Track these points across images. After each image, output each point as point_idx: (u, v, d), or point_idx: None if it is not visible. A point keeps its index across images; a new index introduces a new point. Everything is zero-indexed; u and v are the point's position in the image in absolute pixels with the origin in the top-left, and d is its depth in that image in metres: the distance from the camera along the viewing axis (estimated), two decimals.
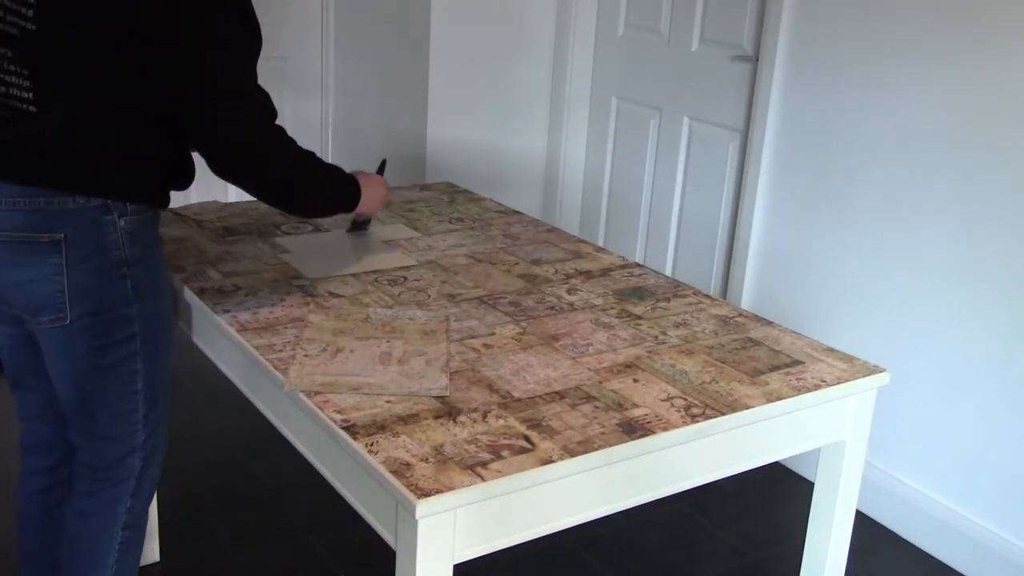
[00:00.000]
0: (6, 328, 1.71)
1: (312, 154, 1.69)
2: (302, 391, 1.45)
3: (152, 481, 1.76)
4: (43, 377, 1.69)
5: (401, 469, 1.27)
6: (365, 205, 1.87)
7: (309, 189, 1.71)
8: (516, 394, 1.49)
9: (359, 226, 2.18)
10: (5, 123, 1.52)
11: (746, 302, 3.02)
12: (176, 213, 2.22)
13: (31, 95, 1.49)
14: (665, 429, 1.42)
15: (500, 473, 1.28)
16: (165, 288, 1.70)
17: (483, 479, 1.26)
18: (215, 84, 1.51)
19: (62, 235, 1.52)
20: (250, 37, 1.56)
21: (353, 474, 1.38)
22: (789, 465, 2.92)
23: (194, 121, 1.54)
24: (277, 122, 1.61)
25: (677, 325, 1.79)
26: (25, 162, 1.52)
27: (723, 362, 1.65)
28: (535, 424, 1.40)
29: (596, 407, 1.46)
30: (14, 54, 1.49)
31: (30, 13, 1.47)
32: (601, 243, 3.64)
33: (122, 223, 1.56)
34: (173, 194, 1.69)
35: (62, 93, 1.51)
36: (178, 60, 1.49)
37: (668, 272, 3.39)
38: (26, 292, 1.56)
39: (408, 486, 1.23)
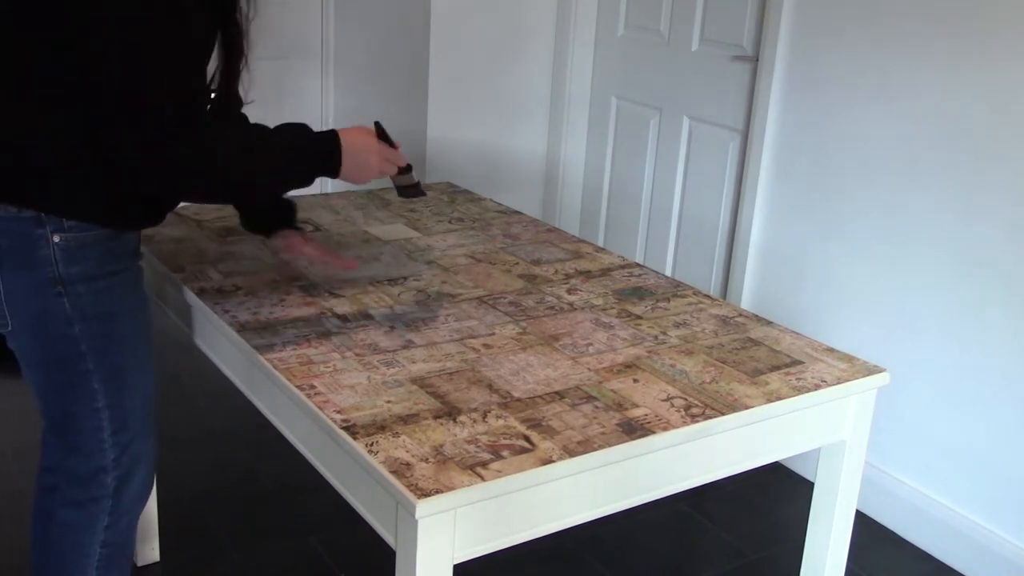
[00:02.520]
0: None
1: (240, 138, 1.54)
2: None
3: (132, 502, 1.72)
4: None
5: (401, 469, 1.27)
6: (348, 175, 1.61)
7: (240, 180, 1.54)
8: (516, 394, 1.49)
9: (405, 192, 1.81)
10: None
11: (746, 302, 3.02)
12: (176, 213, 2.22)
13: None
14: (665, 429, 1.42)
15: (500, 473, 1.28)
16: (129, 310, 1.63)
17: (483, 479, 1.26)
18: (106, 78, 1.40)
19: None
20: (161, 27, 1.42)
21: (353, 474, 1.38)
22: (789, 465, 2.92)
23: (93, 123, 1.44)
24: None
25: (677, 325, 1.79)
26: None
27: (723, 362, 1.65)
28: (535, 424, 1.40)
29: (596, 407, 1.46)
30: None
31: None
32: (601, 243, 3.64)
33: (56, 239, 1.51)
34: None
35: None
36: (80, 52, 1.40)
37: (668, 272, 3.39)
38: None
39: (408, 486, 1.23)
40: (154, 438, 1.75)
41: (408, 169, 1.75)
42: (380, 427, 1.37)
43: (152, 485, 1.79)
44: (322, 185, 4.04)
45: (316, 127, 1.62)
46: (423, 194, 1.83)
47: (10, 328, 1.56)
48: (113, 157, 1.45)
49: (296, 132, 1.58)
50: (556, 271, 2.03)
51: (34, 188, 1.50)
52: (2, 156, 1.50)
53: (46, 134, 1.48)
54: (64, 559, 1.70)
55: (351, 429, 1.36)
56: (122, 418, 1.65)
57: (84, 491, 1.67)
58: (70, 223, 1.52)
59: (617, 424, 1.42)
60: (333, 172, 1.59)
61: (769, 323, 1.84)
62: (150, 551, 2.34)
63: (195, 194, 1.61)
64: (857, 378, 1.63)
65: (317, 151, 1.58)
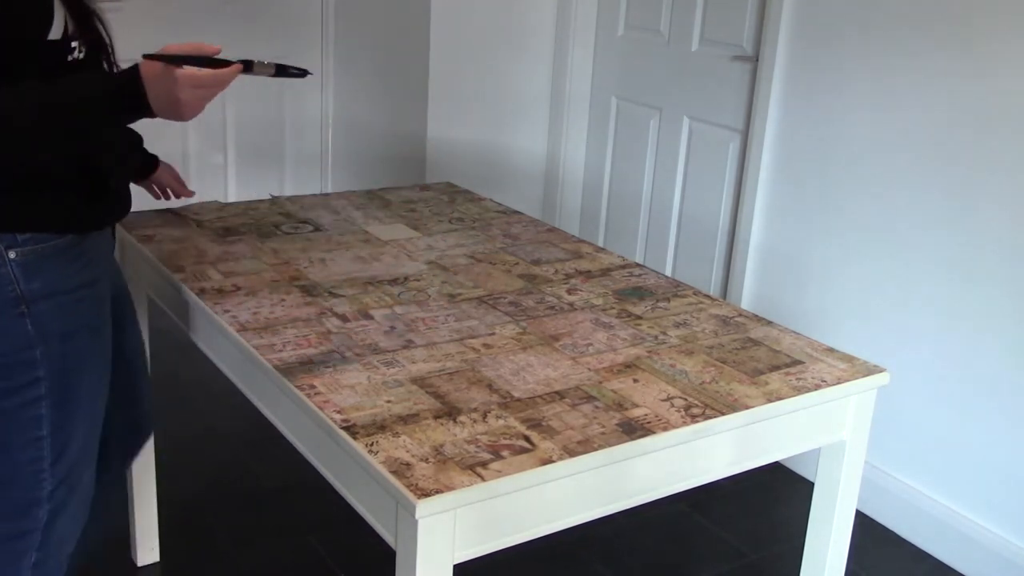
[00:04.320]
0: None
1: (16, 91, 1.34)
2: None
3: (63, 537, 1.58)
4: None
5: (401, 469, 1.27)
6: (161, 110, 1.41)
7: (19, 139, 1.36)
8: (516, 394, 1.49)
9: (276, 74, 1.59)
10: None
11: (746, 302, 3.02)
12: (176, 213, 2.23)
13: None
14: (665, 429, 1.42)
15: (500, 473, 1.28)
16: (90, 330, 1.54)
17: (483, 479, 1.26)
18: None
19: None
20: None
21: (353, 474, 1.38)
22: (789, 465, 2.92)
23: None
24: None
25: (677, 325, 1.79)
26: None
27: (723, 362, 1.65)
28: (535, 424, 1.40)
29: (596, 407, 1.46)
30: None
31: None
32: (601, 243, 3.64)
33: (12, 255, 1.41)
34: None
35: None
36: None
37: (668, 272, 3.39)
38: None
39: (408, 486, 1.23)
40: (92, 471, 1.61)
41: (250, 65, 1.51)
42: (380, 427, 1.37)
43: (83, 524, 1.63)
44: (322, 184, 4.04)
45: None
46: (300, 73, 1.56)
47: None
48: None
49: (90, 75, 1.46)
50: (556, 271, 2.03)
51: None
52: None
53: None
54: None
55: (351, 429, 1.36)
56: (63, 445, 1.52)
57: (13, 525, 1.53)
58: (24, 236, 1.42)
59: (617, 424, 1.42)
60: (139, 105, 1.40)
61: (769, 323, 1.84)
62: (150, 551, 2.34)
63: None
64: (857, 378, 1.63)
65: (113, 83, 1.42)
